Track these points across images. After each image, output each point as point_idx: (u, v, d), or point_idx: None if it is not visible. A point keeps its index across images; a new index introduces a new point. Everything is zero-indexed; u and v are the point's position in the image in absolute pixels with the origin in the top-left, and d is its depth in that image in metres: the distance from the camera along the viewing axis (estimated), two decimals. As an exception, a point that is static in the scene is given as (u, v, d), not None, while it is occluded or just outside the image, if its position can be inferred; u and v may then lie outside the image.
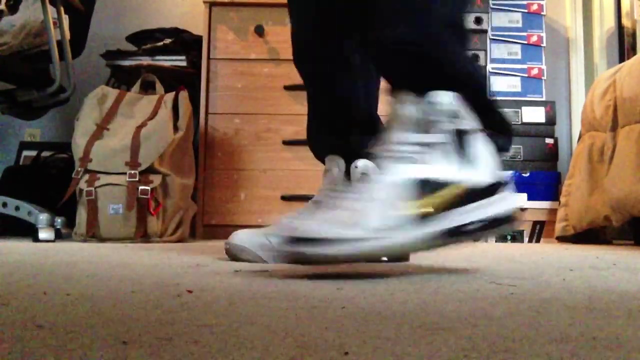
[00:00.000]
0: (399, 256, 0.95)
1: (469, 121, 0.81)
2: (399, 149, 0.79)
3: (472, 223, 0.79)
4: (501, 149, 0.87)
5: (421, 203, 0.75)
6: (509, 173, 2.30)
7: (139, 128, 1.89)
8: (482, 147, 0.82)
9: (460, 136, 0.80)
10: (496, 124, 0.88)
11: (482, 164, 0.81)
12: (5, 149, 2.82)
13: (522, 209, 0.82)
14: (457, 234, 0.78)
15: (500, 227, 0.83)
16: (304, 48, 1.09)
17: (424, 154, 0.79)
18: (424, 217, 0.75)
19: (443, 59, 0.83)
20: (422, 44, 0.82)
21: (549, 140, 2.35)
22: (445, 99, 0.79)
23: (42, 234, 1.76)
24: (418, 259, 1.20)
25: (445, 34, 0.84)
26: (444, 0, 0.84)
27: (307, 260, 0.74)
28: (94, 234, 1.79)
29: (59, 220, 1.89)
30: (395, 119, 0.81)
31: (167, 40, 2.38)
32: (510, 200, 0.83)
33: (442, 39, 0.83)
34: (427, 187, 0.77)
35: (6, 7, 1.87)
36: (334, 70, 1.06)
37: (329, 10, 1.04)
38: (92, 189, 1.80)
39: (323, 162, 1.07)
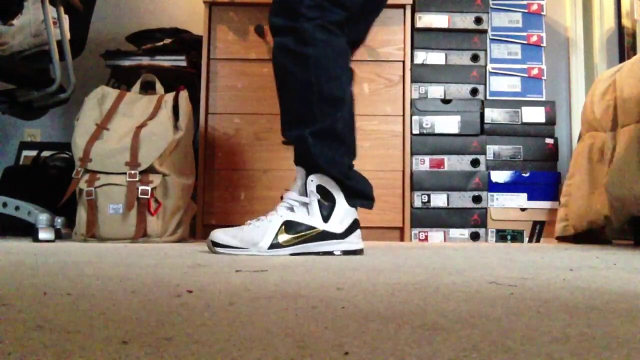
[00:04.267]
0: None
1: (333, 191, 1.32)
2: (288, 200, 1.33)
3: (321, 252, 1.31)
4: (364, 205, 1.39)
5: (286, 235, 1.30)
6: (510, 172, 2.31)
7: (139, 128, 1.89)
8: (338, 209, 1.32)
9: (323, 200, 1.32)
10: (358, 193, 1.37)
11: (335, 220, 1.32)
12: (5, 149, 2.82)
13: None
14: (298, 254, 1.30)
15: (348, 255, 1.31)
16: None
17: (297, 207, 1.32)
18: (284, 243, 1.30)
19: (316, 156, 1.31)
20: (299, 146, 1.34)
21: (549, 140, 2.35)
22: (316, 179, 1.31)
23: (42, 234, 1.76)
24: (418, 258, 1.20)
25: (314, 141, 1.31)
26: (320, 114, 1.31)
27: (214, 251, 1.31)
28: (94, 234, 1.79)
29: (59, 220, 1.90)
30: (295, 181, 1.35)
31: (167, 40, 2.38)
32: (350, 246, 1.34)
33: (308, 148, 1.31)
34: (291, 226, 1.30)
35: (16, 19, 1.88)
36: None
37: None
38: (92, 189, 1.80)
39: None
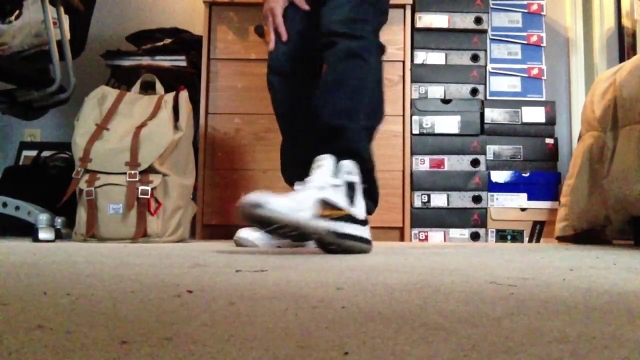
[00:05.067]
0: (303, 234, 1.31)
1: (357, 180, 1.37)
2: (318, 180, 1.33)
3: (346, 235, 1.32)
4: (367, 211, 1.42)
5: (323, 211, 1.29)
6: (510, 172, 2.31)
7: (139, 128, 1.89)
8: (359, 197, 1.37)
9: (350, 186, 1.35)
10: (369, 192, 1.44)
11: (359, 206, 1.37)
12: (5, 149, 2.82)
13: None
14: (336, 235, 1.30)
15: (362, 244, 1.35)
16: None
17: (328, 188, 1.32)
18: (322, 217, 1.28)
19: (363, 144, 1.44)
20: (345, 132, 1.41)
21: (549, 140, 2.35)
22: (348, 165, 1.35)
23: (42, 234, 1.76)
24: (418, 258, 1.20)
25: (362, 131, 1.44)
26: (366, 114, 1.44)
27: (253, 216, 1.23)
28: (94, 234, 1.79)
29: (59, 220, 1.90)
30: (322, 165, 1.36)
31: (167, 40, 2.38)
32: (368, 234, 1.38)
33: (357, 137, 1.42)
34: (326, 204, 1.30)
35: (15, 17, 1.88)
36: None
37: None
38: (92, 189, 1.80)
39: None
